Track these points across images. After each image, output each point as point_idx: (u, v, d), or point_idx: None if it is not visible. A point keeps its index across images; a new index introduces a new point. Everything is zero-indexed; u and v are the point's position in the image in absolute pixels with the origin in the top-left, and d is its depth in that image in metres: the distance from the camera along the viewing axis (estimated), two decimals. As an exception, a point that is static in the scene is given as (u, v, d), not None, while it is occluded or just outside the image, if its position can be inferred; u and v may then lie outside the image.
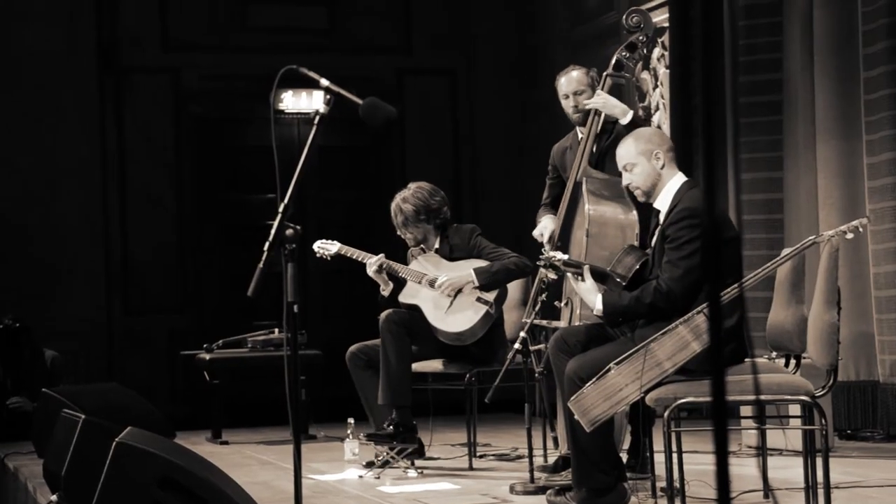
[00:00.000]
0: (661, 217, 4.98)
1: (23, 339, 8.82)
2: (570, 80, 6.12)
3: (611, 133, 5.99)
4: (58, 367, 8.90)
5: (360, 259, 6.64)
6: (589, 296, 4.98)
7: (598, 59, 7.56)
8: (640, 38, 6.16)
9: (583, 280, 5.03)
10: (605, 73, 6.13)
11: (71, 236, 10.19)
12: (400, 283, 6.61)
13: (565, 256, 5.11)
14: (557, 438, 6.28)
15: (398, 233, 6.62)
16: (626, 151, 5.06)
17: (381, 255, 6.58)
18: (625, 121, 5.89)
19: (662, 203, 4.99)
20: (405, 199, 6.52)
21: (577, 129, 6.19)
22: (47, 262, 10.08)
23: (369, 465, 6.44)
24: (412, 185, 6.60)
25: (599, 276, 5.06)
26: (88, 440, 5.15)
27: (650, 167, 4.99)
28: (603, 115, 6.00)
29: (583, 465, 5.03)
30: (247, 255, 6.94)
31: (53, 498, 5.46)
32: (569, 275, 5.13)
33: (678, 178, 5.01)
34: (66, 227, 10.17)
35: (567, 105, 6.13)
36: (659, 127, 8.72)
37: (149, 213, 10.41)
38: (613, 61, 6.14)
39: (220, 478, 4.74)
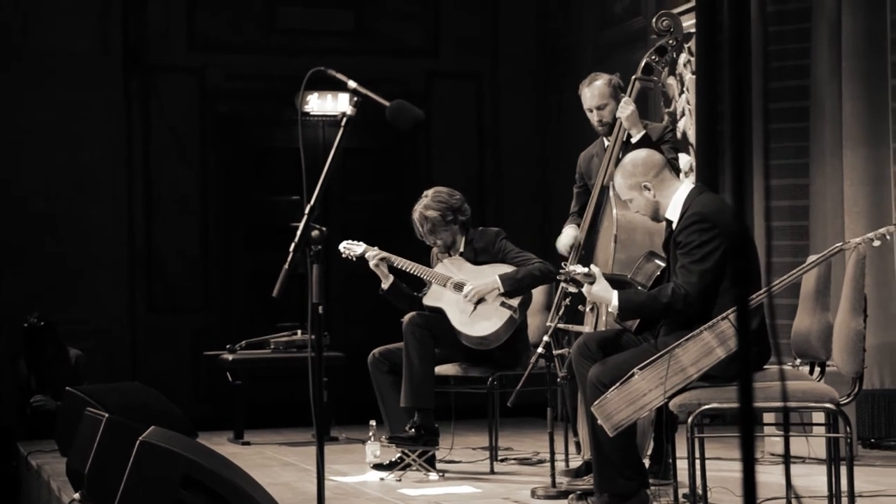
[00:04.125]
0: (674, 225, 4.97)
1: (47, 338, 8.86)
2: (592, 95, 6.08)
3: (638, 140, 5.96)
4: (81, 365, 8.93)
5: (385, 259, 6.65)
6: (604, 294, 4.97)
7: (625, 64, 7.54)
8: (670, 41, 6.13)
9: (592, 283, 5.00)
10: (633, 77, 6.10)
11: (96, 235, 10.23)
12: (399, 275, 6.62)
13: (585, 269, 5.10)
14: (579, 443, 6.26)
15: (427, 241, 6.61)
16: (619, 188, 5.12)
17: (376, 248, 6.61)
18: (635, 139, 5.88)
19: (673, 213, 4.99)
20: (427, 207, 6.52)
21: (604, 137, 6.17)
22: (73, 261, 10.13)
23: (377, 466, 6.42)
24: (429, 192, 6.59)
25: (619, 285, 5.05)
26: (112, 439, 5.17)
27: (643, 199, 5.02)
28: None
29: (605, 471, 5.02)
30: (271, 256, 6.97)
31: (76, 496, 5.48)
32: (585, 285, 5.11)
33: (684, 188, 5.00)
34: (91, 226, 10.22)
35: (592, 118, 6.13)
36: (684, 133, 8.70)
37: (174, 212, 10.44)
38: (642, 65, 6.11)
39: (243, 478, 4.74)
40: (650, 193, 5.00)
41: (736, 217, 2.22)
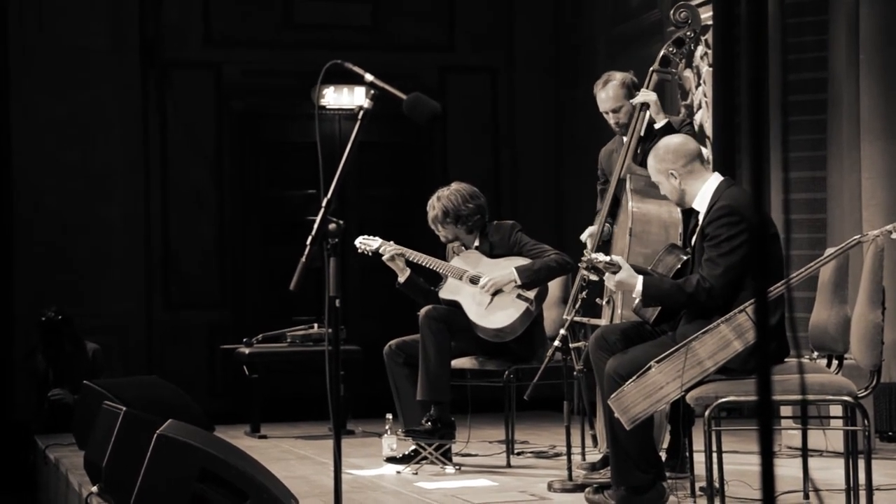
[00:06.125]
0: (701, 217, 4.97)
1: (65, 332, 8.88)
2: (607, 97, 6.07)
3: (656, 135, 5.95)
4: (99, 359, 8.96)
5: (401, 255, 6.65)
6: (629, 280, 4.96)
7: (639, 59, 7.53)
8: (688, 33, 6.11)
9: (617, 272, 4.99)
10: (651, 69, 6.09)
11: (113, 230, 10.25)
12: (415, 269, 6.63)
13: (607, 258, 5.09)
14: (596, 437, 6.26)
15: (430, 227, 6.63)
16: (650, 170, 5.15)
17: (391, 243, 6.61)
18: (658, 125, 5.87)
19: (700, 204, 4.99)
20: (439, 199, 6.54)
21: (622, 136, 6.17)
22: (90, 256, 10.15)
23: (391, 459, 6.43)
24: (453, 185, 6.60)
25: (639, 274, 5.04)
26: (129, 432, 5.19)
27: (670, 185, 5.04)
28: (648, 114, 5.96)
29: (622, 464, 5.02)
30: (287, 250, 6.98)
31: (94, 489, 5.51)
32: (607, 274, 5.10)
33: (713, 180, 5.00)
34: (108, 222, 10.24)
35: (608, 119, 6.13)
36: (701, 126, 8.67)
37: (190, 207, 10.46)
38: (660, 57, 6.10)
39: (260, 471, 4.76)
40: (676, 182, 5.00)
41: (755, 208, 2.21)
